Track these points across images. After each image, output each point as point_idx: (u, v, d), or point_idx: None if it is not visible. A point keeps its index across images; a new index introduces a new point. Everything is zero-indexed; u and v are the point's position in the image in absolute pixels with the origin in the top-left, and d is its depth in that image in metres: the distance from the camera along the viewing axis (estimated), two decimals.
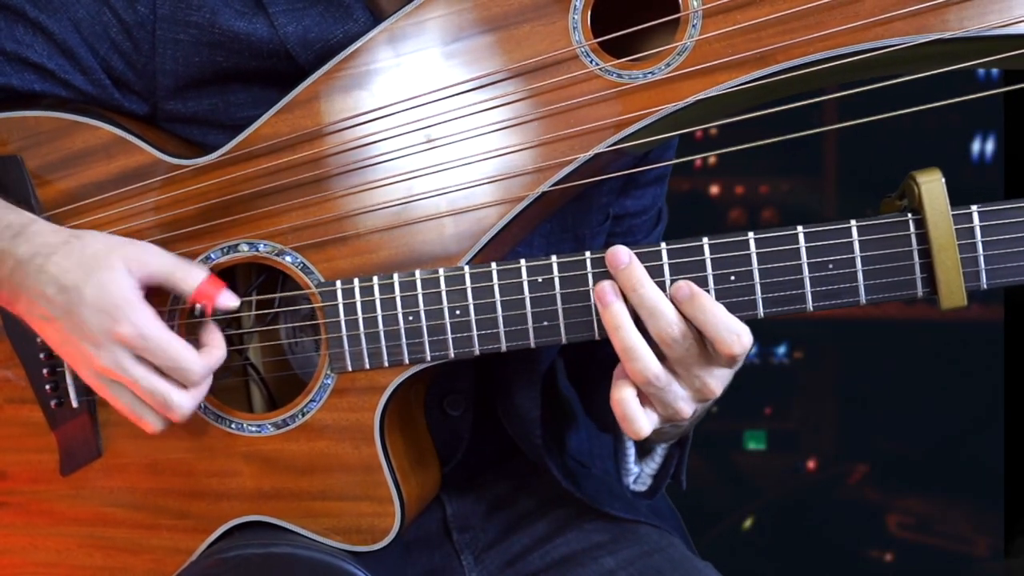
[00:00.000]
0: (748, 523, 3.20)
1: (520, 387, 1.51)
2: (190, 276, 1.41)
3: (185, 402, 1.41)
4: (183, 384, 1.40)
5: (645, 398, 1.34)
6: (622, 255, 1.32)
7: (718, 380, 1.34)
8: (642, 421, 1.33)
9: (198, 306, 1.43)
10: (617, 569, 1.54)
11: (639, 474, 1.53)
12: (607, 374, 1.56)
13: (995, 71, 2.62)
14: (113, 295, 1.37)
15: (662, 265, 1.32)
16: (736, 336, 1.29)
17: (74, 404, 1.51)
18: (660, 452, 1.53)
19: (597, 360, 1.64)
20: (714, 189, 3.15)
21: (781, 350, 3.18)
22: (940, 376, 3.04)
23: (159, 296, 1.44)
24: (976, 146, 3.02)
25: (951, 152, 2.98)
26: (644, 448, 1.54)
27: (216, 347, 1.44)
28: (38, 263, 1.39)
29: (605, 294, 1.32)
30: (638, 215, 1.67)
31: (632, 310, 1.32)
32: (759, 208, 3.14)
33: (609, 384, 1.53)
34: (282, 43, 1.44)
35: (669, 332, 1.30)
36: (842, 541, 3.14)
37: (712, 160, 3.11)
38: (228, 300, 1.42)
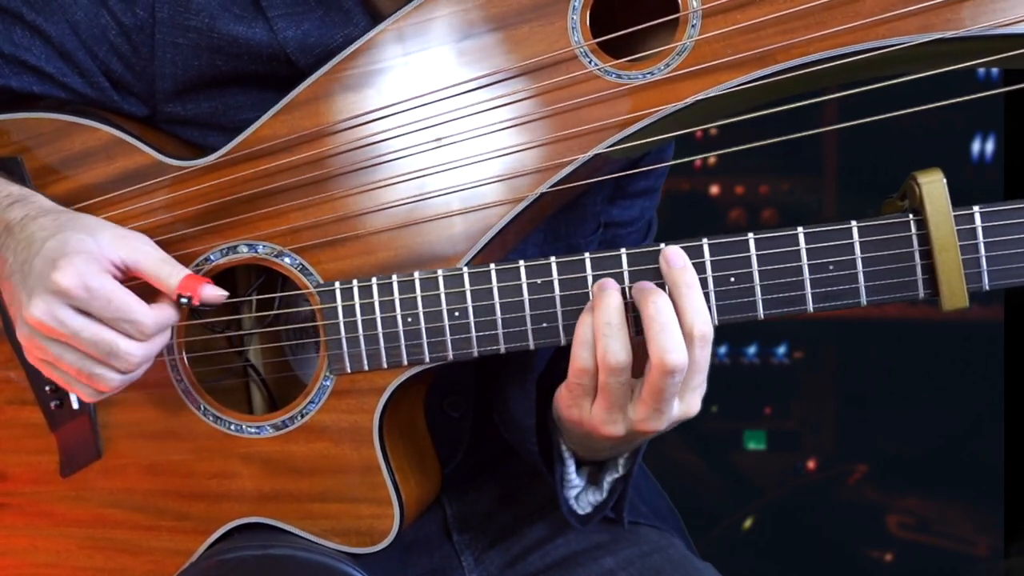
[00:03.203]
0: (748, 523, 3.20)
1: (515, 396, 1.51)
2: (176, 270, 1.38)
3: (134, 351, 1.35)
4: (132, 337, 1.35)
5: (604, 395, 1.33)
6: (610, 282, 1.32)
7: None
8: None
9: (183, 299, 1.38)
10: (617, 569, 1.54)
11: (581, 489, 1.51)
12: None
13: (995, 71, 2.62)
14: (68, 247, 1.33)
15: (660, 267, 1.32)
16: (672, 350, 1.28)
17: (74, 406, 1.51)
18: (605, 486, 1.50)
19: None
20: (714, 189, 3.15)
21: (781, 350, 3.19)
22: (940, 376, 3.04)
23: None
24: (976, 146, 3.02)
25: (951, 152, 2.98)
26: (592, 477, 1.51)
27: (169, 306, 1.38)
28: (24, 223, 1.38)
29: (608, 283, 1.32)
30: (624, 225, 1.67)
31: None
32: (759, 208, 3.14)
33: None
34: (281, 47, 1.44)
35: (615, 356, 1.29)
36: (842, 541, 3.14)
37: (712, 160, 3.11)
38: (213, 292, 1.39)
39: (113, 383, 1.37)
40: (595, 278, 1.34)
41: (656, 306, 1.28)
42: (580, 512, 1.50)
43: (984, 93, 1.30)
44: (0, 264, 1.39)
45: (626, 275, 1.33)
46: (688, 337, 1.28)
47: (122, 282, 1.35)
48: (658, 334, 1.27)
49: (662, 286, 1.31)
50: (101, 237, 1.36)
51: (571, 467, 1.47)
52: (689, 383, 1.31)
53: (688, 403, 1.32)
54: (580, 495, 1.50)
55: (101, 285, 1.33)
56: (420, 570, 1.63)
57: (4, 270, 1.38)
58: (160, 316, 1.36)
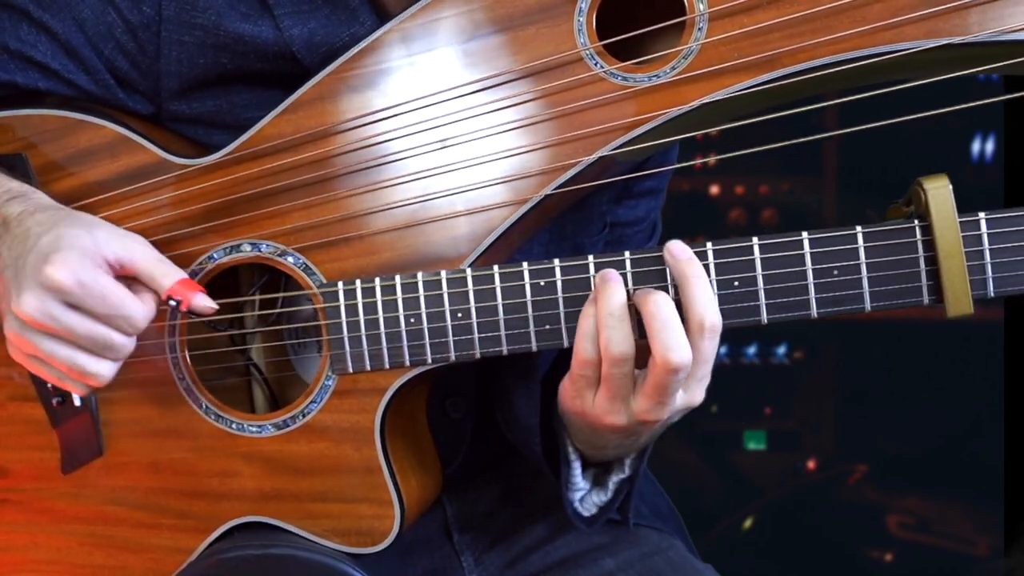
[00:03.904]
0: (748, 523, 3.20)
1: (519, 395, 1.51)
2: (170, 272, 1.38)
3: (128, 344, 1.36)
4: (125, 331, 1.35)
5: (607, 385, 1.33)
6: (612, 273, 1.32)
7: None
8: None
9: (172, 301, 1.38)
10: (617, 571, 1.54)
11: (586, 492, 1.50)
12: None
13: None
14: (63, 243, 1.33)
15: (664, 270, 1.32)
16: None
17: (76, 402, 1.51)
18: (611, 487, 1.49)
19: None
20: (714, 189, 3.15)
21: (781, 350, 3.18)
22: (940, 376, 3.04)
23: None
24: (976, 146, 3.02)
25: (951, 152, 2.98)
26: (598, 479, 1.51)
27: (152, 300, 1.38)
28: (21, 219, 1.38)
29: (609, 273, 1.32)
30: (630, 225, 1.67)
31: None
32: (759, 208, 3.13)
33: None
34: (287, 46, 1.44)
35: (618, 346, 1.29)
36: (842, 541, 3.14)
37: (712, 160, 3.10)
38: (203, 302, 1.39)
39: (106, 375, 1.38)
40: None
41: (656, 303, 1.28)
42: (585, 514, 1.50)
43: (987, 100, 1.30)
44: None
45: (629, 277, 1.33)
46: (697, 328, 1.28)
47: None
48: (659, 331, 1.27)
49: (666, 290, 1.31)
50: (97, 233, 1.36)
51: (577, 469, 1.47)
52: (695, 374, 1.30)
53: (692, 394, 1.32)
54: (585, 497, 1.50)
55: (95, 281, 1.32)
56: (420, 570, 1.63)
57: None
58: (151, 312, 1.38)
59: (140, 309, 1.35)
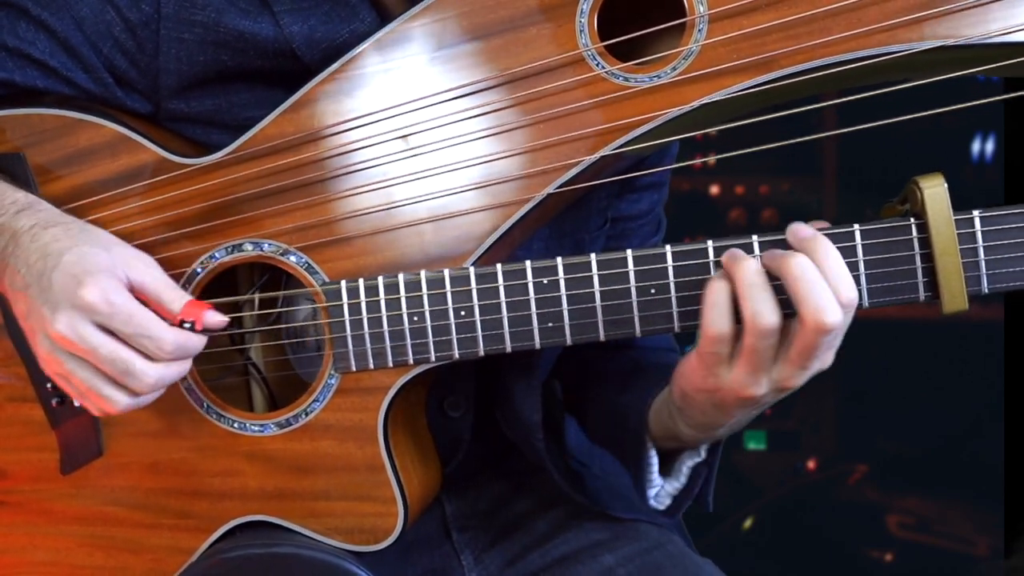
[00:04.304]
0: (748, 523, 3.20)
1: (520, 392, 1.51)
2: (178, 296, 1.38)
3: (150, 372, 1.35)
4: (150, 357, 1.35)
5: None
6: (740, 251, 1.30)
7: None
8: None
9: (185, 324, 1.37)
10: (617, 566, 1.54)
11: (660, 489, 1.49)
12: (602, 388, 1.56)
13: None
14: (89, 263, 1.33)
15: (667, 268, 1.32)
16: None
17: (75, 403, 1.51)
18: (685, 472, 1.49)
19: (591, 374, 1.64)
20: (714, 189, 3.15)
21: None
22: (940, 376, 3.04)
23: None
24: (976, 146, 3.02)
25: (951, 152, 2.98)
26: (667, 466, 1.49)
27: (194, 335, 1.38)
28: (34, 232, 1.38)
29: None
30: (634, 219, 1.67)
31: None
32: (759, 208, 3.13)
33: (606, 392, 1.53)
34: (287, 42, 1.44)
35: (767, 317, 1.27)
36: (842, 541, 3.14)
37: (712, 160, 3.10)
38: (214, 318, 1.39)
39: (119, 405, 1.37)
40: (600, 278, 1.34)
41: (799, 266, 1.25)
42: (660, 507, 1.50)
43: (985, 100, 1.31)
44: (10, 275, 1.38)
45: (632, 275, 1.33)
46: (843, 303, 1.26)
47: None
48: (809, 293, 1.24)
49: (666, 288, 1.31)
50: (117, 253, 1.37)
51: (655, 466, 1.47)
52: (833, 341, 1.29)
53: (825, 358, 1.31)
54: (659, 492, 1.49)
55: (124, 302, 1.33)
56: (420, 569, 1.63)
57: (15, 281, 1.38)
58: (180, 338, 1.36)
59: (166, 330, 1.35)
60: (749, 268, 1.27)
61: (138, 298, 1.36)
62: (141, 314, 1.34)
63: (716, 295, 1.28)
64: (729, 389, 1.31)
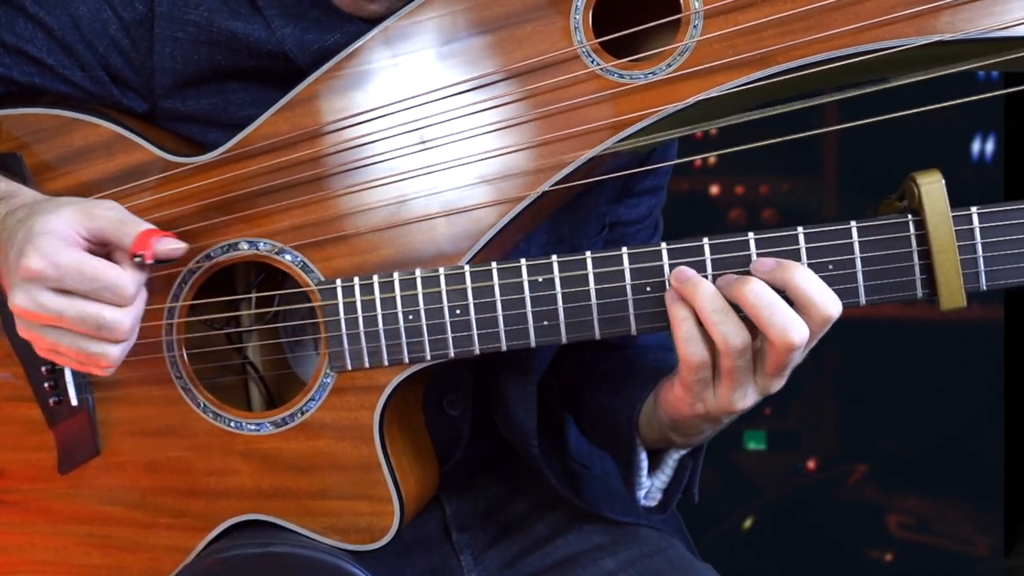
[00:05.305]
0: (748, 523, 3.19)
1: (515, 397, 1.51)
2: (132, 229, 1.34)
3: (122, 319, 1.33)
4: (116, 304, 1.33)
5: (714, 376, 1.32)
6: (688, 271, 1.31)
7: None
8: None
9: (136, 258, 1.33)
10: (617, 571, 1.54)
11: (649, 488, 1.50)
12: (597, 390, 1.55)
13: (995, 71, 2.62)
14: (34, 232, 1.32)
15: (662, 265, 1.32)
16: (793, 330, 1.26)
17: (73, 402, 1.51)
18: (671, 464, 1.50)
19: (588, 375, 1.64)
20: (714, 189, 3.15)
21: None
22: (940, 376, 3.03)
23: (158, 294, 1.44)
24: (976, 146, 3.01)
25: (951, 152, 2.97)
26: (653, 460, 1.50)
27: (130, 264, 1.34)
28: (5, 221, 1.37)
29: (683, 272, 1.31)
30: (632, 224, 1.67)
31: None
32: (759, 208, 3.13)
33: (600, 395, 1.53)
34: (280, 44, 1.44)
35: (737, 338, 1.28)
36: (842, 541, 3.13)
37: (712, 160, 3.10)
38: (168, 245, 1.36)
39: (112, 356, 1.36)
40: (596, 276, 1.34)
41: (753, 292, 1.26)
42: (652, 504, 1.51)
43: (985, 95, 1.31)
44: None
45: (627, 273, 1.33)
46: (824, 322, 1.27)
47: (96, 254, 1.34)
48: (770, 317, 1.26)
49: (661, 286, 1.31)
50: (63, 212, 1.33)
51: (645, 468, 1.48)
52: (808, 346, 1.29)
53: (802, 356, 1.31)
54: (648, 494, 1.51)
55: (69, 259, 1.31)
56: (419, 569, 1.63)
57: None
58: (138, 277, 1.34)
59: (120, 274, 1.32)
60: (706, 295, 1.28)
61: (101, 244, 1.35)
62: (91, 266, 1.31)
63: (687, 330, 1.30)
64: (718, 409, 1.33)
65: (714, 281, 1.30)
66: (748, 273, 1.29)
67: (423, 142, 1.38)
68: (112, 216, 1.35)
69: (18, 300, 1.32)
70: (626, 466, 1.49)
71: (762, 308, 1.26)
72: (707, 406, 1.33)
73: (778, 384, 1.32)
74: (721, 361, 1.29)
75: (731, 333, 1.27)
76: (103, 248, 1.35)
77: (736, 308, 1.28)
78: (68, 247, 1.31)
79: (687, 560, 1.57)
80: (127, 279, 1.33)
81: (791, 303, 1.27)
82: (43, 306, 1.31)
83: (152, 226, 1.36)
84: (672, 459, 1.48)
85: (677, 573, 1.53)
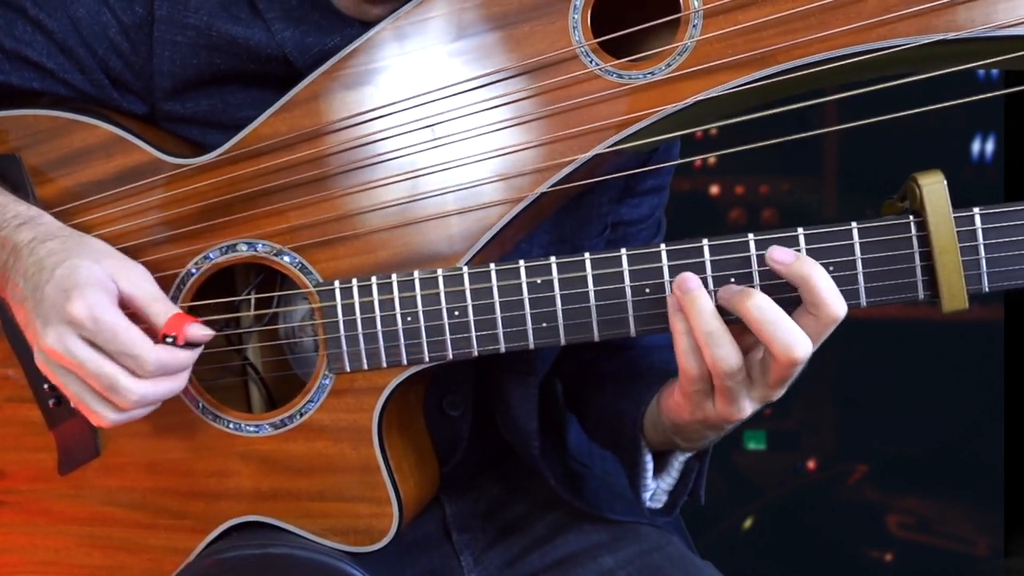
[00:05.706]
0: (748, 523, 3.19)
1: (515, 398, 1.51)
2: (163, 309, 1.37)
3: (134, 388, 1.34)
4: (134, 373, 1.34)
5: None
6: (691, 281, 1.28)
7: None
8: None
9: (167, 339, 1.36)
10: (617, 568, 1.54)
11: (655, 490, 1.50)
12: (601, 391, 1.55)
13: (995, 70, 2.62)
14: (79, 277, 1.34)
15: (662, 267, 1.31)
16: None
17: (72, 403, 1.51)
18: (676, 466, 1.49)
19: (590, 376, 1.64)
20: (714, 189, 3.14)
21: None
22: (940, 376, 3.03)
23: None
24: (976, 146, 3.01)
25: (951, 152, 2.97)
26: (659, 462, 1.49)
27: (176, 348, 1.37)
28: (33, 246, 1.38)
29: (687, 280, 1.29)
30: (634, 224, 1.67)
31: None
32: (759, 208, 3.13)
33: (605, 396, 1.52)
34: (280, 48, 1.44)
35: (727, 362, 1.27)
36: (842, 541, 3.13)
37: (712, 160, 3.10)
38: (197, 331, 1.38)
39: (107, 419, 1.37)
40: (595, 278, 1.33)
41: (757, 308, 1.24)
42: (658, 506, 1.50)
43: (985, 95, 1.30)
44: (11, 287, 1.39)
45: (627, 275, 1.33)
46: (832, 322, 1.26)
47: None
48: (774, 333, 1.24)
49: (662, 287, 1.30)
50: (107, 266, 1.36)
51: (651, 471, 1.48)
52: (809, 356, 1.28)
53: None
54: (653, 496, 1.50)
55: (109, 318, 1.33)
56: (419, 569, 1.63)
57: (16, 293, 1.39)
58: (164, 356, 1.35)
59: (150, 350, 1.34)
60: (702, 313, 1.27)
61: (130, 310, 1.37)
62: (125, 332, 1.33)
63: (685, 343, 1.29)
64: (717, 419, 1.33)
65: (716, 293, 1.29)
66: (751, 273, 1.29)
67: (433, 139, 1.38)
68: (148, 290, 1.38)
69: (49, 339, 1.34)
70: (631, 468, 1.49)
71: (765, 324, 1.24)
72: (707, 414, 1.33)
73: (779, 393, 1.31)
74: (714, 380, 1.29)
75: (721, 357, 1.26)
76: (126, 310, 1.37)
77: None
78: (112, 305, 1.34)
79: (686, 557, 1.57)
80: (152, 355, 1.34)
81: (797, 300, 1.26)
82: (70, 351, 1.33)
83: (179, 309, 1.39)
84: (678, 461, 1.48)
85: (676, 570, 1.53)
